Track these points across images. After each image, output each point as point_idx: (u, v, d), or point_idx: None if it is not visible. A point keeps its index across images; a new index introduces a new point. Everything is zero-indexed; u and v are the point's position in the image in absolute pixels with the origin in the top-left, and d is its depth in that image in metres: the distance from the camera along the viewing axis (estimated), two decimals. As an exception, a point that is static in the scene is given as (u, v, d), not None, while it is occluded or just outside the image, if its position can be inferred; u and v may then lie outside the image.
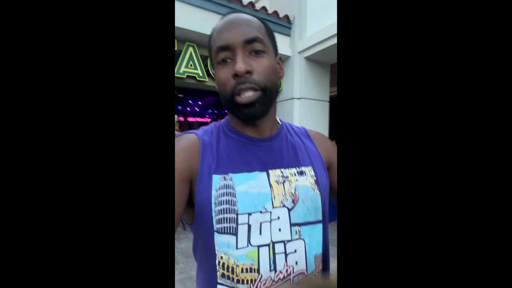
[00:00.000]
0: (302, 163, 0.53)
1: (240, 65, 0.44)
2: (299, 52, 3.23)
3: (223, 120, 0.56)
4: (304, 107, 3.28)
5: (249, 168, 0.49)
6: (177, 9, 2.55)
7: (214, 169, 0.47)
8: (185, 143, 0.50)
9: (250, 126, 0.52)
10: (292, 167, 0.52)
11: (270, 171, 0.50)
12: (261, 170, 0.49)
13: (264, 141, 0.52)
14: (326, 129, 3.52)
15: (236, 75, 0.45)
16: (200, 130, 0.54)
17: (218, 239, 0.45)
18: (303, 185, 0.51)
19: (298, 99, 3.25)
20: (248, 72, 0.45)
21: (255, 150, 0.51)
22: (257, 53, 0.46)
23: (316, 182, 0.52)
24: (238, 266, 0.44)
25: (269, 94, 0.47)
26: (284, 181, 0.50)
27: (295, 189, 0.50)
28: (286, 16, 3.28)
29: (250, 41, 0.46)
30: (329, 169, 0.58)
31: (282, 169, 0.51)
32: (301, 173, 0.52)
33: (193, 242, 0.54)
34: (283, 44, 3.29)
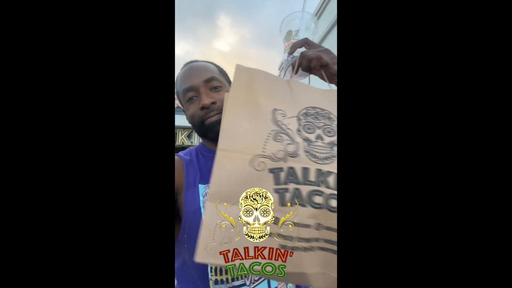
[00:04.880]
0: None
1: (206, 99, 0.54)
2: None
3: (197, 145, 0.66)
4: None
5: None
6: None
7: (199, 180, 0.55)
8: None
9: None
10: None
11: None
12: None
13: None
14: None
15: (203, 107, 0.55)
16: (180, 153, 0.62)
17: None
18: None
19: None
20: (213, 103, 0.55)
21: None
22: (216, 88, 0.57)
23: None
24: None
25: None
26: None
27: None
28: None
29: (208, 80, 0.57)
30: None
31: None
32: None
33: (176, 261, 0.53)
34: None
